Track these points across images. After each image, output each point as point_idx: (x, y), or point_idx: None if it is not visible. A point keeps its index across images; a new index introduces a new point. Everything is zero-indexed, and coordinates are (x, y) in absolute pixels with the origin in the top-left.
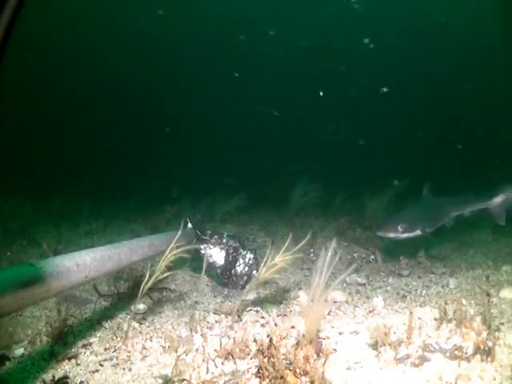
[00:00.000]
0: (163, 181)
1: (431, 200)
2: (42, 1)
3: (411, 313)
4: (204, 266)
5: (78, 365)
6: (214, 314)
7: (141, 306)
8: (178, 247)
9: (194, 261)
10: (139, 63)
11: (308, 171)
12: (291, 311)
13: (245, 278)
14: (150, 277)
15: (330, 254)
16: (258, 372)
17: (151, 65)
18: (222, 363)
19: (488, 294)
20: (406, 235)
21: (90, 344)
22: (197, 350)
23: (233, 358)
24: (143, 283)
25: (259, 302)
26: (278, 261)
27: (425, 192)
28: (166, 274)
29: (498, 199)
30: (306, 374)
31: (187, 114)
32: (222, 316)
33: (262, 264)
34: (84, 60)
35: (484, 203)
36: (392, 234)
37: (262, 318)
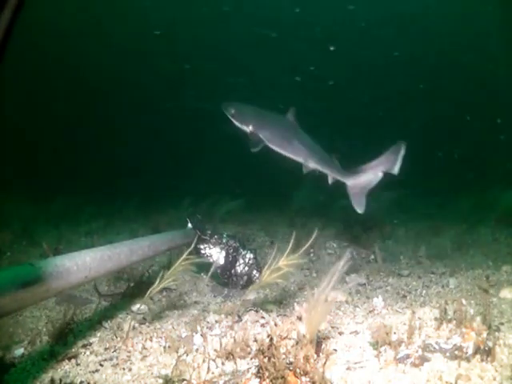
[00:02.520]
0: (164, 181)
1: (292, 125)
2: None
3: (413, 312)
4: (211, 269)
5: (78, 365)
6: (214, 313)
7: (141, 306)
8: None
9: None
10: (140, 62)
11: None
12: (293, 309)
13: (245, 277)
14: (154, 281)
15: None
16: (258, 372)
17: (151, 64)
18: (223, 363)
19: (487, 293)
20: (237, 123)
21: (90, 344)
22: (197, 350)
23: (233, 357)
24: (151, 288)
25: (259, 302)
26: (283, 264)
27: (289, 116)
28: (172, 279)
29: (358, 178)
30: (306, 374)
31: (187, 114)
32: (222, 316)
33: (266, 267)
34: (85, 60)
35: (341, 175)
36: (225, 111)
37: (262, 317)
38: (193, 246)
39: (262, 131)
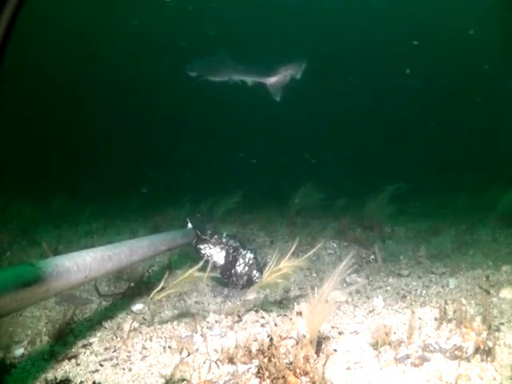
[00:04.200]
0: (164, 181)
1: (224, 59)
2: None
3: (413, 312)
4: (209, 268)
5: (78, 365)
6: (214, 313)
7: (141, 306)
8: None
9: (194, 261)
10: (141, 62)
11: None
12: (293, 310)
13: (245, 277)
14: (154, 281)
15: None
16: (258, 372)
17: (152, 63)
18: (222, 363)
19: (488, 293)
20: (190, 74)
21: (90, 344)
22: (197, 350)
23: (234, 363)
24: (155, 291)
25: (259, 302)
26: (284, 266)
27: (220, 54)
28: (174, 289)
29: (274, 77)
30: (306, 374)
31: (187, 114)
32: (222, 316)
33: (267, 268)
34: (86, 59)
35: (262, 77)
36: (185, 70)
37: (262, 317)
38: (201, 263)
39: (202, 70)
